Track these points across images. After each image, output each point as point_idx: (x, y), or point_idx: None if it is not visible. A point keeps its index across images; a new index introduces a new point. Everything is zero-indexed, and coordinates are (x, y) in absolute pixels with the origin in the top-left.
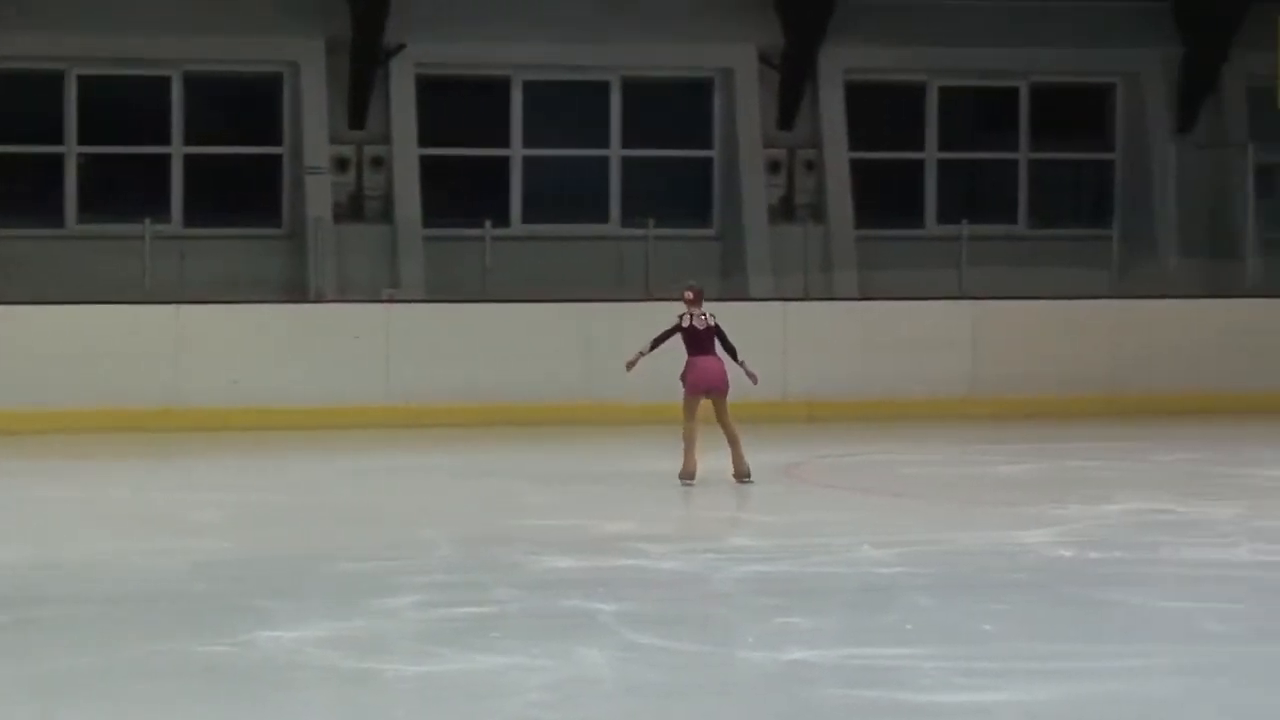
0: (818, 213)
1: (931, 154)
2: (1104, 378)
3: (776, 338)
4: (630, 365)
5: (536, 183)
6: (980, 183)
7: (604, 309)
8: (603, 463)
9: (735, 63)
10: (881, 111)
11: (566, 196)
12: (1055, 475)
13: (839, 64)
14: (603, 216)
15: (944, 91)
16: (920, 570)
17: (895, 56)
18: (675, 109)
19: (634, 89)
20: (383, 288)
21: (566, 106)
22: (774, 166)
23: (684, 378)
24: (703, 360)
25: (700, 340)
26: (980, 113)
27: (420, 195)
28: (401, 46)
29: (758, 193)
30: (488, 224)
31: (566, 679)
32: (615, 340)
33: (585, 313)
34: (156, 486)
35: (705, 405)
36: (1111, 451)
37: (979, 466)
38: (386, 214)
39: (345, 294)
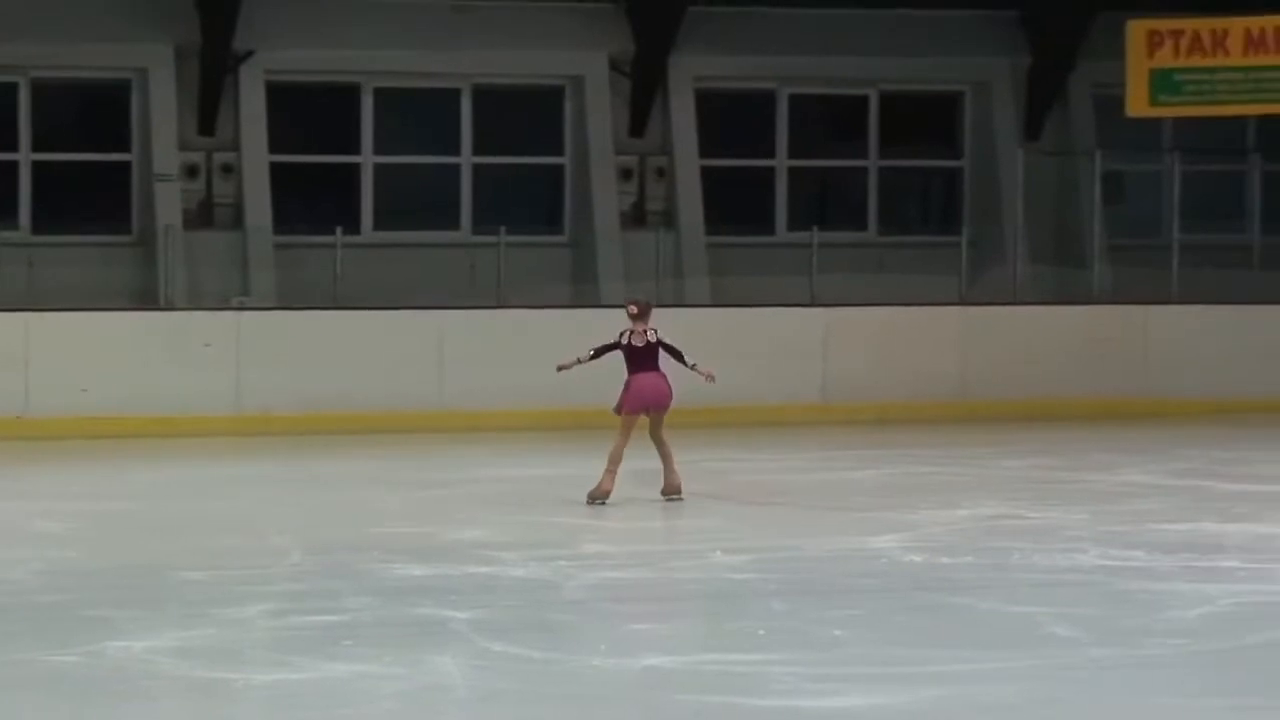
0: (669, 220)
1: (782, 161)
2: (953, 384)
3: None
4: (562, 368)
5: (387, 190)
6: (830, 190)
7: (456, 316)
8: (455, 470)
9: (586, 70)
10: (732, 119)
11: (418, 204)
12: (906, 481)
13: (689, 71)
14: (454, 224)
15: (794, 99)
16: (772, 576)
17: (745, 64)
18: (526, 116)
19: (485, 96)
20: (233, 295)
21: (417, 113)
22: (625, 174)
23: (622, 398)
24: (643, 378)
25: (640, 358)
26: (830, 120)
27: (270, 202)
28: (251, 53)
29: (609, 200)
30: (339, 231)
31: (419, 687)
32: (468, 348)
33: (438, 320)
34: (3, 496)
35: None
36: (961, 457)
37: (831, 472)
38: (237, 221)
39: (196, 301)
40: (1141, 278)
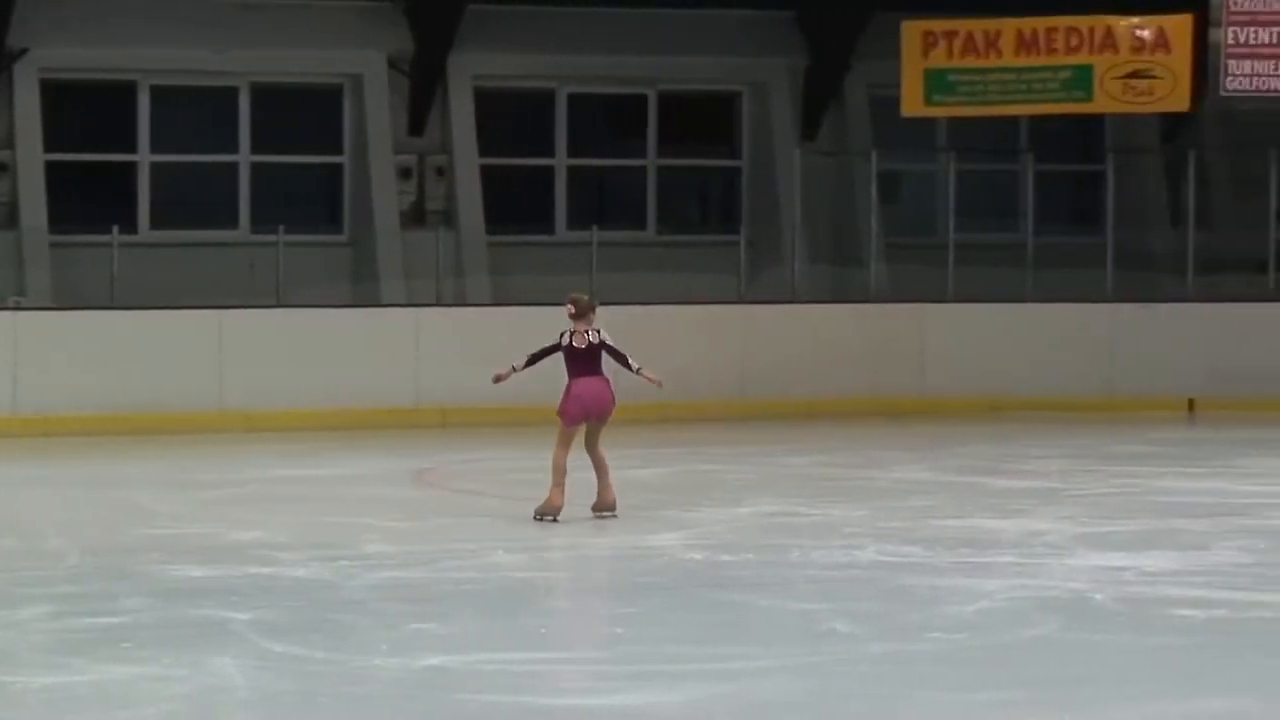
0: (449, 219)
1: (561, 160)
2: (733, 382)
3: (409, 343)
4: (498, 379)
5: (165, 188)
6: (609, 189)
7: (236, 316)
8: (234, 471)
9: (365, 69)
10: (511, 118)
11: (196, 202)
12: (686, 479)
13: (468, 70)
14: (233, 223)
15: (573, 98)
16: (553, 574)
17: (524, 63)
18: (305, 115)
19: (263, 94)
20: (8, 295)
21: (195, 111)
22: (405, 172)
23: (562, 405)
24: (584, 384)
25: (581, 361)
26: (609, 120)
27: (46, 201)
28: (25, 50)
29: (389, 199)
30: (115, 230)
31: (200, 689)
32: (248, 347)
33: (217, 320)
34: None
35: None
36: (741, 455)
37: (613, 470)
38: (12, 220)
39: None
40: (918, 277)
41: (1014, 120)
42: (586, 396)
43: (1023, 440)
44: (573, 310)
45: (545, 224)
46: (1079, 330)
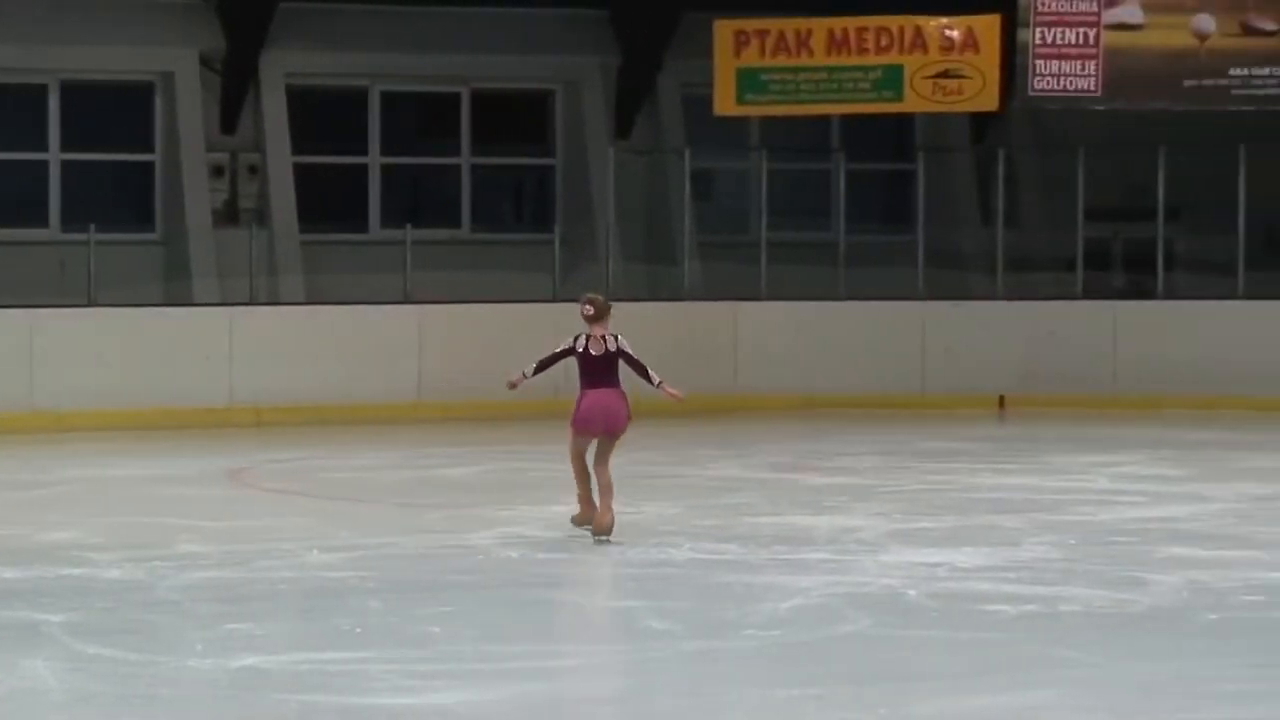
0: (262, 217)
1: (375, 159)
2: (548, 380)
3: (222, 343)
4: (511, 386)
5: None
6: (424, 187)
7: (46, 315)
8: (45, 471)
9: (176, 66)
10: (324, 116)
11: (5, 201)
12: (503, 478)
13: (280, 68)
14: (42, 221)
15: (386, 97)
16: (369, 574)
17: (337, 61)
18: (116, 112)
19: (73, 92)
20: None
21: (3, 109)
22: (217, 170)
23: (575, 416)
24: (595, 395)
25: (596, 369)
26: (423, 118)
27: None
28: None
29: (201, 197)
30: None
31: (12, 691)
32: (58, 347)
33: (27, 319)
34: None
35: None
36: (557, 454)
37: (427, 469)
38: None
39: None
40: (731, 274)
41: (825, 119)
42: (595, 412)
43: (836, 437)
44: (590, 311)
45: (359, 223)
46: (891, 328)
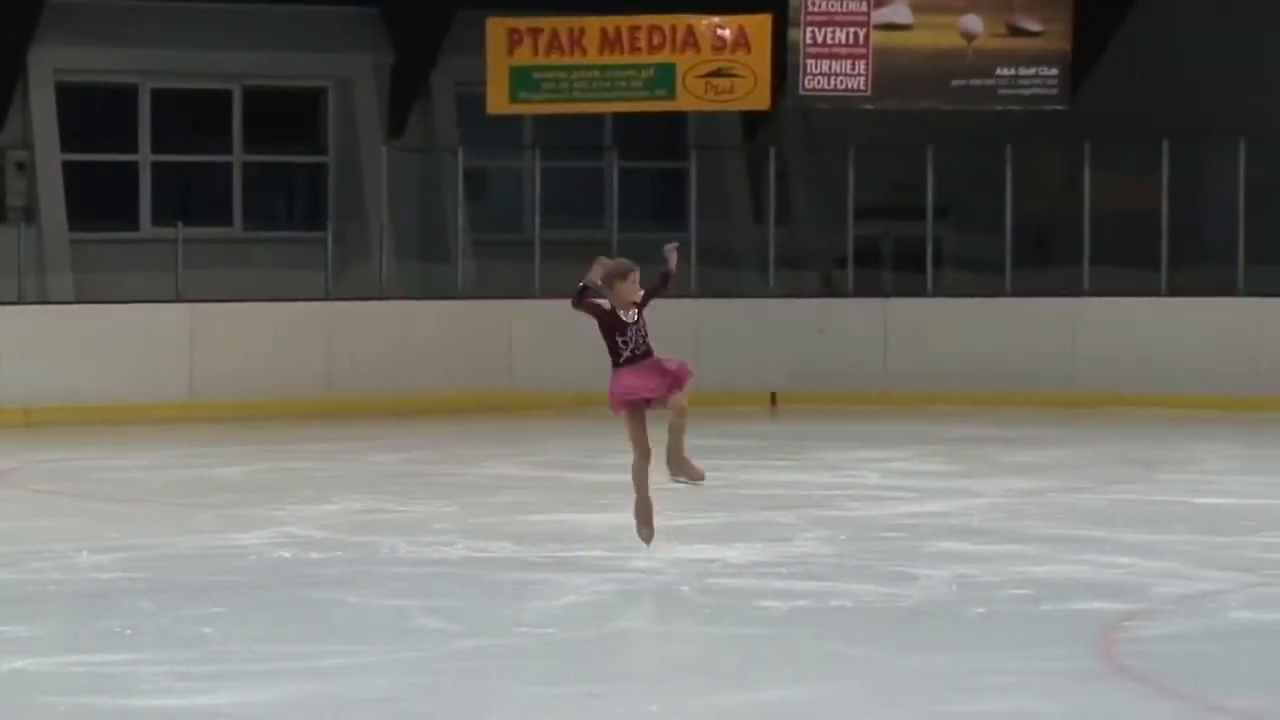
0: (30, 215)
1: (145, 156)
2: (321, 379)
3: None
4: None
5: None
6: (195, 185)
7: None
8: None
9: None
10: (94, 112)
11: None
12: (275, 477)
13: (49, 64)
14: None
15: (156, 94)
16: (138, 575)
17: (106, 57)
18: None
19: None
20: None
21: None
22: None
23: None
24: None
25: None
26: (194, 116)
27: None
28: None
29: None
30: None
31: None
32: None
33: None
34: None
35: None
36: (330, 452)
37: (199, 469)
38: None
39: None
40: (505, 273)
41: (599, 118)
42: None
43: (610, 435)
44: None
45: (130, 221)
46: (665, 325)
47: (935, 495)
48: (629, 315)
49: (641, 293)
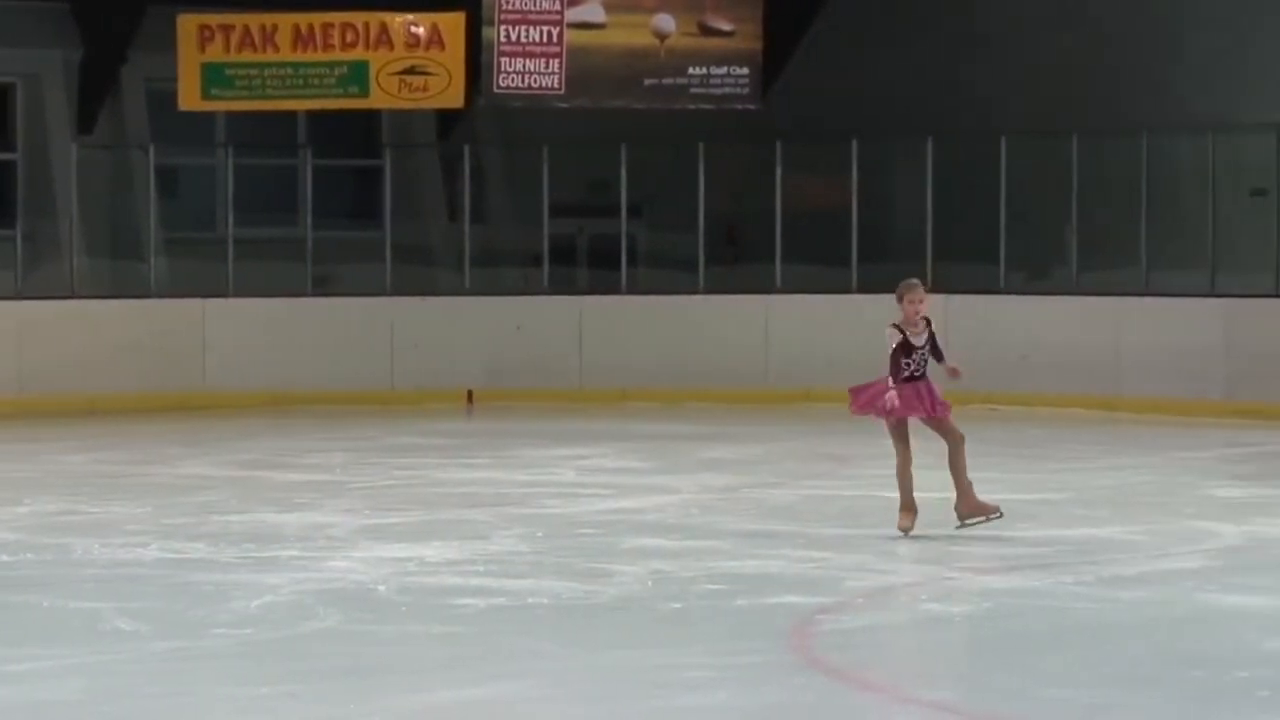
0: None
1: None
2: (12, 379)
3: None
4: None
5: None
6: None
7: None
8: None
9: None
10: None
11: None
12: None
13: None
14: None
15: None
16: None
17: None
18: None
19: None
20: None
21: None
22: None
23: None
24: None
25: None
26: None
27: None
28: None
29: None
30: None
31: None
32: None
33: None
34: None
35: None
36: (22, 453)
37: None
38: None
39: None
40: (198, 271)
41: (292, 115)
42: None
43: (306, 434)
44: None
45: None
46: (359, 324)
47: (631, 492)
48: (917, 339)
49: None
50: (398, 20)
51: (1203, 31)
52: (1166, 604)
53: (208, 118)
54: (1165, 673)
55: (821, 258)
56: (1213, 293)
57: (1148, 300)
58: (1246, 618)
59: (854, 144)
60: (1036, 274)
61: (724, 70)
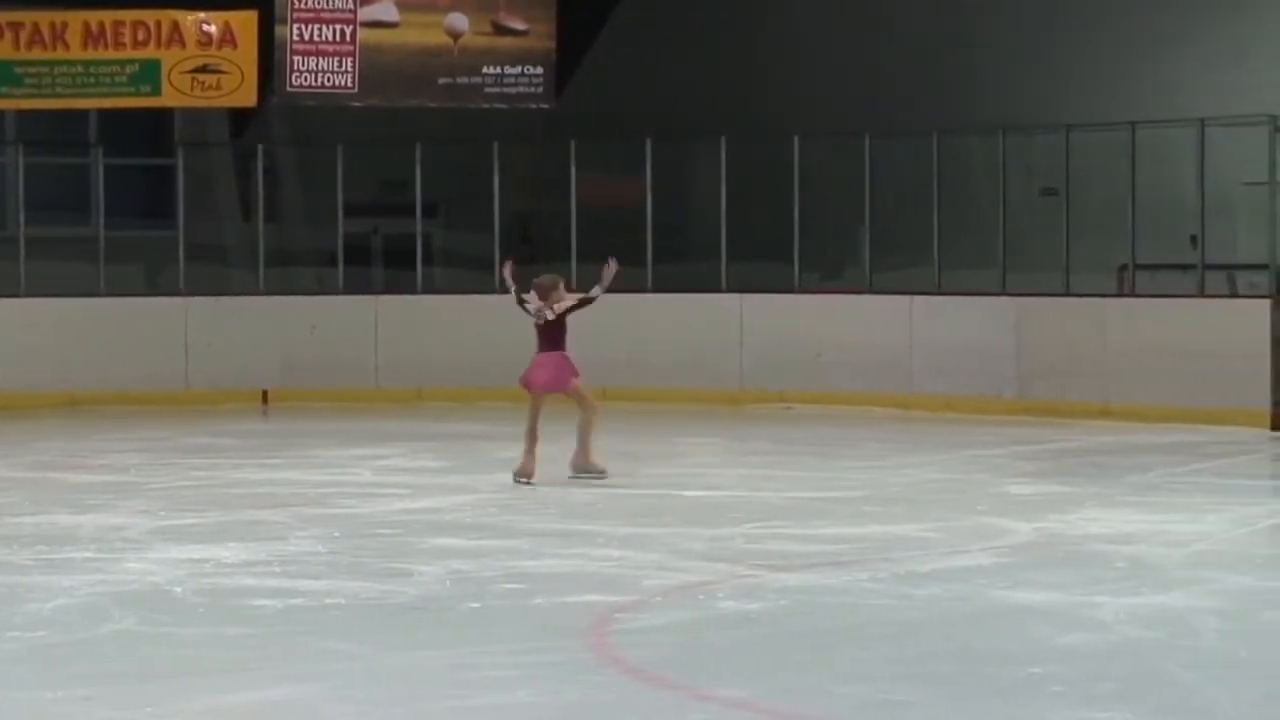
0: None
1: None
2: None
3: None
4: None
5: None
6: None
7: None
8: None
9: None
10: None
11: None
12: None
13: None
14: None
15: None
16: None
17: None
18: None
19: None
20: None
21: None
22: None
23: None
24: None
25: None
26: None
27: None
28: None
29: None
30: None
31: None
32: None
33: None
34: None
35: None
36: None
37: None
38: None
39: None
40: None
41: (83, 113)
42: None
43: (99, 434)
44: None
45: None
46: (153, 324)
47: (428, 491)
48: (540, 318)
49: (568, 302)
50: (189, 19)
51: (996, 33)
52: (961, 600)
53: None
54: (960, 668)
55: (617, 257)
56: (1004, 292)
57: (940, 299)
58: (1039, 614)
59: (648, 143)
60: (830, 273)
61: (518, 69)
